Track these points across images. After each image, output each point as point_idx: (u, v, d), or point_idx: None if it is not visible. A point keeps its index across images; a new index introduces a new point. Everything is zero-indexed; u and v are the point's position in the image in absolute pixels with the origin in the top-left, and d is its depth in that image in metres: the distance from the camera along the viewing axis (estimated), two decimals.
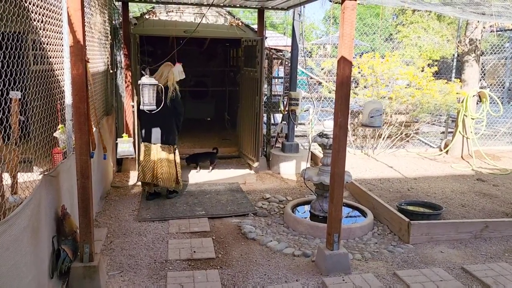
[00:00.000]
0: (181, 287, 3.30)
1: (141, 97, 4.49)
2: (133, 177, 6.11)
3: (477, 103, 7.83)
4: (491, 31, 8.83)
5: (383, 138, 7.79)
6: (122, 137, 5.26)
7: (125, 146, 5.07)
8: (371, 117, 3.21)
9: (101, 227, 4.39)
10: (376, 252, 4.06)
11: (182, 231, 4.41)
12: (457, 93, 7.40)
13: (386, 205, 4.78)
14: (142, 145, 5.27)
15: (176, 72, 5.13)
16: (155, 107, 4.53)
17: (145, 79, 4.38)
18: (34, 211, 2.58)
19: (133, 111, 5.91)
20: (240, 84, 7.87)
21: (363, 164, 7.17)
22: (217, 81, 10.40)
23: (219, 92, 10.37)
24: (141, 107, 4.53)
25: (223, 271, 3.62)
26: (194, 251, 3.94)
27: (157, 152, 5.21)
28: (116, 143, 5.31)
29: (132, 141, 5.33)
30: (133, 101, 5.95)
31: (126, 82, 6.21)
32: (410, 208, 4.86)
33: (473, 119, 7.69)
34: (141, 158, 5.27)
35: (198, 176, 6.35)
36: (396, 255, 4.03)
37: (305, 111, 8.18)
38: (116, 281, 3.37)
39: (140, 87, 4.38)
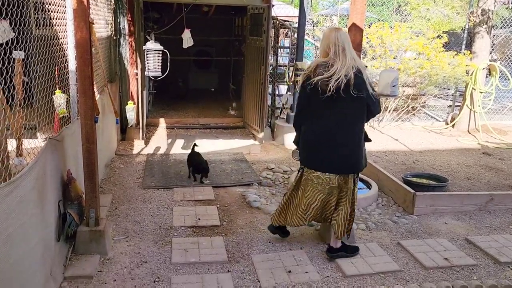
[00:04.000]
0: (186, 252, 3.33)
1: (146, 63, 4.42)
2: (137, 145, 6.10)
3: (486, 77, 7.70)
4: (503, 3, 8.58)
5: (389, 111, 7.71)
6: (127, 104, 5.22)
7: (133, 113, 5.03)
8: (393, 86, 3.13)
9: (106, 194, 4.40)
10: (380, 223, 4.07)
11: (187, 199, 4.42)
12: (466, 66, 7.27)
13: (391, 177, 4.76)
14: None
15: (185, 39, 5.04)
16: (160, 73, 4.46)
17: (150, 44, 4.31)
18: (40, 174, 2.57)
19: (137, 79, 5.84)
20: (245, 53, 7.75)
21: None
22: (221, 50, 10.25)
23: (223, 62, 10.23)
24: (146, 73, 4.47)
25: (227, 238, 3.64)
26: (199, 219, 3.96)
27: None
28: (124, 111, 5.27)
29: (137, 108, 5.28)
30: (136, 69, 5.88)
31: (130, 49, 6.11)
32: (415, 180, 4.84)
33: (481, 92, 7.57)
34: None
35: (203, 146, 6.32)
36: (400, 225, 4.04)
37: None
38: (122, 246, 3.40)
39: (145, 53, 4.30)
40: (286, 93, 7.32)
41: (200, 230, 3.78)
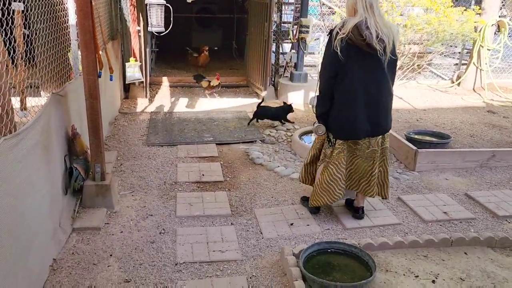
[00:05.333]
0: (191, 206, 3.41)
1: (148, 18, 4.34)
2: (141, 104, 6.10)
3: (495, 33, 7.52)
4: None
5: None
6: (129, 61, 5.17)
7: (133, 70, 5.00)
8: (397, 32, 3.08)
9: (111, 151, 4.45)
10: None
11: (191, 156, 4.47)
12: (475, 22, 7.08)
13: (393, 134, 4.76)
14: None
15: None
16: (163, 29, 4.39)
17: None
18: (44, 128, 2.60)
19: (140, 36, 5.75)
20: (248, 10, 7.58)
21: None
22: (224, 8, 10.01)
23: (226, 19, 10.02)
24: (149, 28, 4.40)
25: (231, 193, 3.71)
26: (203, 174, 4.02)
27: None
28: (124, 68, 5.24)
29: (140, 65, 5.22)
30: (139, 25, 5.78)
31: (131, 5, 5.98)
32: (418, 137, 4.85)
33: (489, 49, 7.42)
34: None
35: (206, 104, 6.33)
36: (401, 181, 4.09)
37: (315, 39, 7.92)
38: (128, 200, 3.49)
39: (148, 7, 4.22)
40: (290, 51, 7.21)
41: (204, 185, 3.85)
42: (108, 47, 4.99)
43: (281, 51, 7.55)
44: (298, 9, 7.49)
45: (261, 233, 3.10)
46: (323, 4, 7.82)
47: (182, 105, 6.29)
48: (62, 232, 2.84)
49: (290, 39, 7.24)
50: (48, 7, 2.96)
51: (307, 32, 6.72)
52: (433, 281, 2.62)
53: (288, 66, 7.32)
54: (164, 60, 8.70)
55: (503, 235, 3.06)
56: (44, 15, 2.92)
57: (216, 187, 3.83)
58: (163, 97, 6.59)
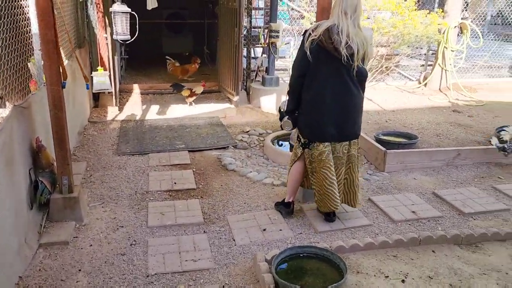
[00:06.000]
0: (162, 215, 3.37)
1: (113, 27, 4.29)
2: (111, 112, 6.00)
3: (458, 35, 7.77)
4: None
5: None
6: (97, 70, 5.09)
7: (101, 79, 4.92)
8: (370, 45, 3.13)
9: (80, 161, 4.36)
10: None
11: (163, 164, 4.43)
12: (438, 24, 7.30)
13: (363, 136, 4.85)
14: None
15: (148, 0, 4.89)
16: (129, 36, 4.34)
17: (117, 7, 4.17)
18: (6, 141, 2.53)
19: (107, 44, 5.67)
20: (219, 16, 7.58)
21: None
22: (195, 13, 9.98)
23: (197, 25, 9.99)
24: (114, 36, 4.34)
25: (203, 201, 3.69)
26: (175, 183, 3.99)
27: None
28: (92, 77, 5.15)
29: (108, 74, 5.15)
30: (106, 33, 5.69)
31: (97, 12, 5.89)
32: (386, 138, 4.95)
33: (453, 50, 7.66)
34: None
35: (178, 111, 6.28)
36: (371, 182, 4.17)
37: (285, 44, 7.99)
38: (98, 212, 3.42)
39: (112, 15, 4.17)
40: (261, 55, 7.25)
41: (176, 193, 3.82)
42: (76, 55, 4.90)
43: (252, 55, 7.59)
44: (268, 13, 7.55)
45: (234, 240, 3.10)
46: (292, 8, 7.90)
47: (153, 113, 6.22)
48: (28, 248, 2.76)
49: (261, 44, 7.28)
50: (8, 17, 2.87)
51: (277, 36, 6.78)
52: (403, 281, 2.67)
53: (259, 71, 7.36)
54: (135, 67, 8.59)
55: (468, 232, 3.15)
56: (5, 25, 2.84)
57: (188, 195, 3.81)
58: (134, 105, 6.50)
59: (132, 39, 4.31)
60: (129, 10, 4.21)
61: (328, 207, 3.21)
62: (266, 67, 6.96)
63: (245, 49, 7.00)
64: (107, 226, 3.22)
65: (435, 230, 3.28)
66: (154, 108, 6.42)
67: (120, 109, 6.20)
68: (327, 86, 2.98)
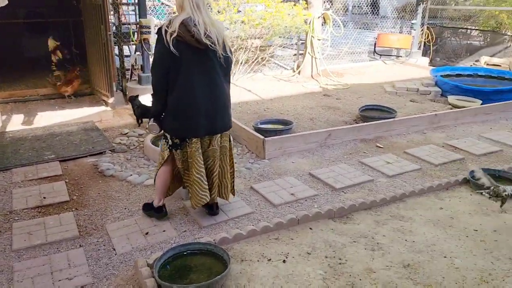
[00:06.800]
0: (30, 235, 3.06)
1: None
2: None
3: (322, 25, 8.37)
4: None
5: (241, 63, 7.92)
6: None
7: None
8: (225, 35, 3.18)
9: None
10: (236, 171, 4.24)
11: (29, 179, 4.01)
12: (304, 15, 7.78)
13: (243, 126, 4.97)
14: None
15: None
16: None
17: None
18: None
19: None
20: (83, 13, 7.08)
21: None
22: (57, 11, 9.18)
23: (61, 23, 9.21)
24: None
25: (78, 212, 3.44)
26: (44, 197, 3.64)
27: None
28: None
29: None
30: None
31: None
32: (264, 126, 5.14)
33: (319, 40, 8.24)
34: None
35: (45, 119, 5.74)
36: (253, 171, 4.29)
37: None
38: None
39: None
40: (135, 53, 6.97)
41: (46, 209, 3.49)
42: None
43: (128, 53, 7.26)
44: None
45: (114, 250, 2.94)
46: (162, 3, 7.73)
47: (16, 123, 5.60)
48: None
49: (133, 41, 6.99)
50: None
51: (149, 32, 6.57)
52: (284, 261, 2.80)
53: (134, 69, 7.08)
54: None
55: (339, 205, 3.43)
56: None
57: (61, 208, 3.51)
58: None
59: None
60: None
61: (199, 200, 3.13)
62: (141, 65, 6.71)
63: (117, 47, 6.67)
64: None
65: (311, 208, 3.49)
66: (17, 118, 5.79)
67: None
68: (194, 80, 2.94)
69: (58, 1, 8.99)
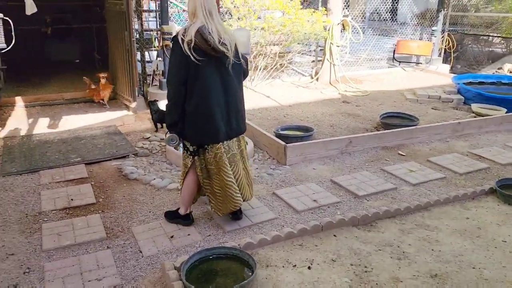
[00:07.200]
0: (59, 236, 3.13)
1: None
2: None
3: (341, 31, 8.38)
4: None
5: (260, 69, 7.98)
6: None
7: None
8: (248, 44, 3.21)
9: None
10: (257, 177, 4.28)
11: (56, 181, 4.10)
12: (323, 22, 7.80)
13: (264, 132, 5.00)
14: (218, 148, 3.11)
15: (27, 4, 4.47)
16: (4, 45, 3.93)
17: None
18: None
19: None
20: (106, 19, 7.23)
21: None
22: (81, 17, 9.39)
23: (85, 29, 9.41)
24: None
25: (105, 215, 3.50)
26: (72, 199, 3.72)
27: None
28: None
29: None
30: None
31: None
32: (286, 132, 5.16)
33: (338, 46, 8.24)
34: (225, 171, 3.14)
35: (71, 122, 5.86)
36: (275, 177, 4.31)
37: None
38: None
39: None
40: (156, 58, 7.07)
41: (74, 211, 3.56)
42: None
43: (148, 59, 7.37)
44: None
45: (141, 252, 2.99)
46: (184, 10, 7.84)
47: (42, 126, 5.72)
48: None
49: (154, 46, 7.11)
50: None
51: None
52: (309, 267, 2.81)
53: (155, 75, 7.19)
54: (17, 78, 7.82)
55: (363, 213, 3.42)
56: None
57: (88, 210, 3.58)
58: (19, 120, 5.92)
59: (8, 48, 3.90)
60: (0, 15, 3.81)
61: (231, 208, 3.20)
62: (162, 71, 6.80)
63: (139, 53, 6.79)
64: None
65: (335, 215, 3.49)
66: (43, 121, 5.92)
67: (2, 125, 5.61)
68: (210, 87, 2.97)
69: (82, 8, 9.21)
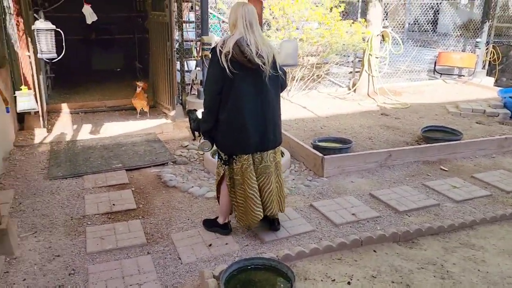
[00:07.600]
0: (102, 240, 3.22)
1: (37, 45, 4.05)
2: (39, 134, 5.65)
3: (380, 43, 8.27)
4: None
5: (296, 80, 7.97)
6: (20, 89, 4.76)
7: (25, 99, 4.61)
8: (294, 55, 3.21)
9: (6, 189, 4.05)
10: (293, 188, 4.26)
11: (99, 186, 4.23)
12: (362, 33, 7.72)
13: (301, 143, 4.98)
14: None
15: (87, 14, 4.68)
16: (55, 55, 4.13)
17: (40, 24, 3.96)
18: None
19: (30, 62, 5.34)
20: (149, 30, 7.45)
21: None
22: (124, 28, 9.73)
23: (127, 40, 9.74)
24: (39, 55, 4.11)
25: (145, 220, 3.58)
26: (114, 204, 3.83)
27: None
28: (15, 97, 4.81)
29: (33, 93, 4.83)
30: (28, 51, 5.36)
31: (18, 30, 5.54)
32: (323, 144, 5.12)
33: (377, 57, 8.13)
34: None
35: (112, 129, 6.05)
36: (312, 188, 4.27)
37: None
38: (30, 242, 3.19)
39: (35, 33, 3.94)
40: (195, 68, 7.22)
41: (115, 215, 3.66)
42: None
43: (186, 68, 7.53)
44: (200, 27, 7.55)
45: (180, 259, 3.03)
46: (223, 21, 7.97)
47: (85, 132, 5.95)
48: None
49: (194, 57, 7.25)
50: None
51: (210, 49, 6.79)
52: (349, 283, 2.76)
53: (194, 84, 7.32)
54: (63, 85, 8.18)
55: (405, 229, 3.33)
56: None
57: (129, 216, 3.67)
58: (64, 125, 6.17)
59: (59, 57, 4.09)
60: (53, 27, 4.01)
61: (250, 220, 3.18)
62: (200, 80, 6.93)
63: (178, 62, 6.94)
64: (42, 257, 3.00)
65: (375, 230, 3.42)
66: (86, 127, 6.14)
67: (49, 131, 5.86)
68: (245, 98, 3.00)
69: (125, 19, 9.53)
